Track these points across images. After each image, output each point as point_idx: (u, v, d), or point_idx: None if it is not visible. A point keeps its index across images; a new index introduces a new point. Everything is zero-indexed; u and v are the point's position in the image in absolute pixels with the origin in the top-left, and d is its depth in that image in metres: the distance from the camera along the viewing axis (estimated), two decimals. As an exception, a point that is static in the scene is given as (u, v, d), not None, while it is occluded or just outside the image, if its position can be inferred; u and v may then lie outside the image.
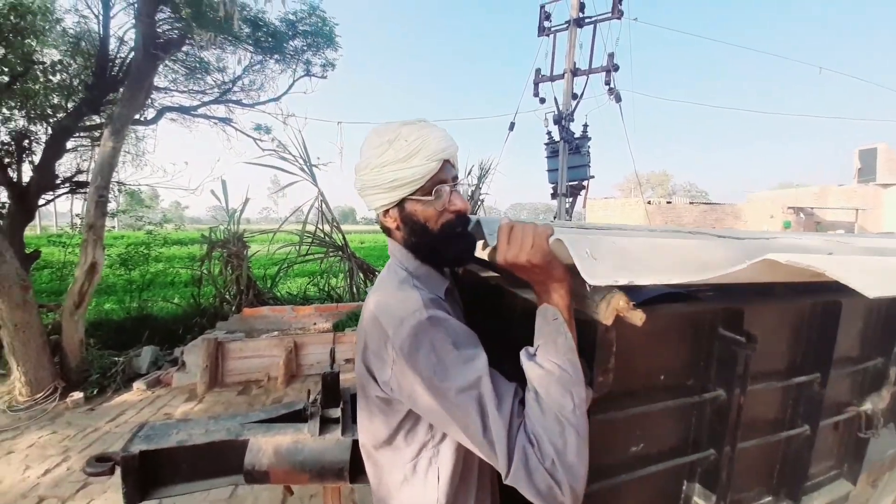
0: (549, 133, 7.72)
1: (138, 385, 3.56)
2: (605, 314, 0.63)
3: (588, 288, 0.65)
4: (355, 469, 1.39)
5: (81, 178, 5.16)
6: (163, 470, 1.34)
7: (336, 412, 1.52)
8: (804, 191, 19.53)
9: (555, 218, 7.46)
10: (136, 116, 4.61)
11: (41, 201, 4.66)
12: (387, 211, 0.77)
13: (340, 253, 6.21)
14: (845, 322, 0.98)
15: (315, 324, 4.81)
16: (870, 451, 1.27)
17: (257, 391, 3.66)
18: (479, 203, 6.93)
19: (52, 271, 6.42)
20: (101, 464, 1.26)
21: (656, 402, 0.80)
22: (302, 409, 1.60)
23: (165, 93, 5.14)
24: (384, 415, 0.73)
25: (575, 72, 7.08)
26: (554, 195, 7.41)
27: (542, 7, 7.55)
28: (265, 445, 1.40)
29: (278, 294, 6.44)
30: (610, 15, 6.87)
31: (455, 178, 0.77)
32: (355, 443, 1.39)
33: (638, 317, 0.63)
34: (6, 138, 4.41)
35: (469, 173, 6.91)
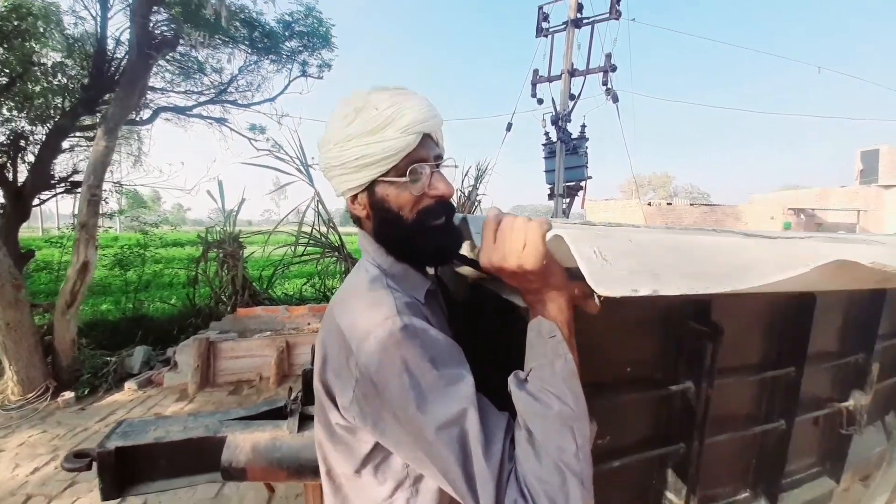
0: (546, 134, 7.72)
1: (129, 385, 3.57)
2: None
3: (598, 300, 0.54)
4: (334, 466, 1.39)
5: (78, 178, 5.18)
6: (139, 466, 1.33)
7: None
8: (806, 192, 19.49)
9: (553, 218, 7.43)
10: (132, 116, 4.63)
11: (36, 201, 4.68)
12: (355, 196, 0.65)
13: (336, 254, 6.22)
14: (822, 316, 0.97)
15: (309, 324, 4.80)
16: (855, 448, 1.25)
17: (248, 391, 3.65)
18: (476, 204, 6.94)
19: (49, 272, 6.44)
20: (79, 459, 1.26)
21: (622, 395, 0.79)
22: (283, 407, 1.60)
23: (161, 93, 5.17)
24: (348, 445, 0.60)
25: (573, 72, 7.09)
26: (551, 196, 7.41)
27: (541, 8, 7.58)
28: (243, 442, 1.39)
29: (274, 295, 6.45)
30: (608, 16, 6.89)
31: (439, 156, 0.64)
32: (334, 440, 1.40)
33: (593, 305, 0.60)
34: (2, 139, 4.43)
35: (466, 174, 6.92)
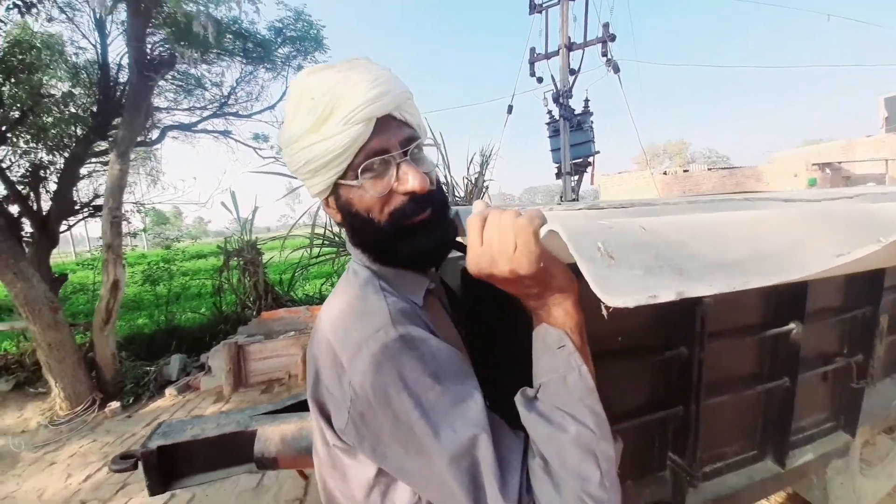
0: (549, 112, 7.59)
1: (170, 391, 3.79)
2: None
3: (605, 310, 0.38)
4: (360, 451, 1.47)
5: (99, 202, 5.44)
6: (180, 462, 1.44)
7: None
8: (830, 145, 18.62)
9: (560, 198, 7.37)
10: (141, 138, 4.80)
11: (63, 227, 4.93)
12: (327, 200, 0.57)
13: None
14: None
15: (330, 322, 4.94)
16: (871, 401, 1.25)
17: (279, 388, 3.82)
18: (484, 191, 6.91)
19: (85, 293, 6.80)
20: (125, 461, 1.37)
21: (616, 364, 0.82)
22: (306, 400, 1.69)
23: (167, 112, 5.33)
24: (348, 469, 0.53)
25: (570, 46, 6.91)
26: (559, 175, 7.32)
27: (533, -18, 7.38)
28: (272, 434, 1.48)
29: (296, 296, 6.64)
30: (602, -18, 6.67)
31: (409, 139, 0.53)
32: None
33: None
34: (24, 171, 4.67)
35: (471, 161, 6.89)
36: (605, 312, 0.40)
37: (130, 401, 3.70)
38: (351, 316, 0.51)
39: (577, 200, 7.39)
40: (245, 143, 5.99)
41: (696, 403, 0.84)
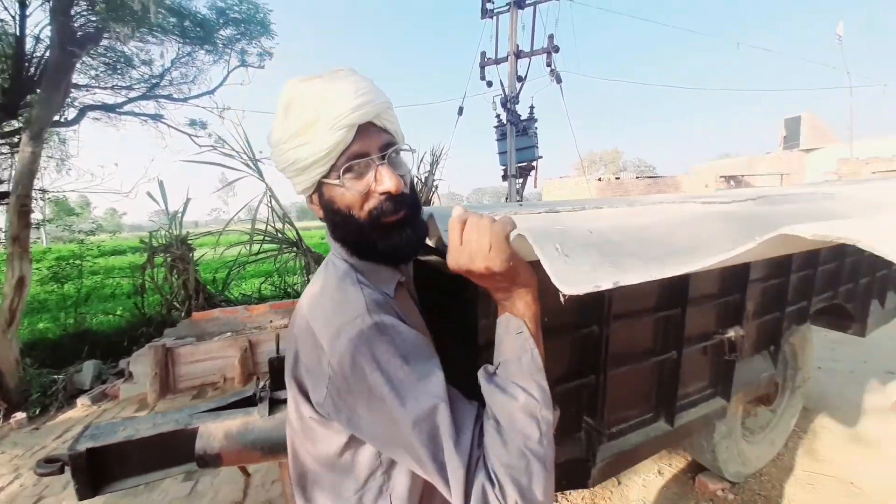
0: (497, 116, 7.90)
1: (82, 401, 3.43)
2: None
3: (562, 298, 0.52)
4: (306, 443, 1.50)
5: (3, 188, 4.73)
6: (113, 465, 1.37)
7: (285, 394, 1.61)
8: (737, 160, 21.25)
9: (506, 200, 7.73)
10: (56, 118, 4.27)
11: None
12: (311, 197, 0.64)
13: (295, 249, 6.12)
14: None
15: (271, 321, 4.76)
16: (743, 373, 1.54)
17: (213, 393, 3.62)
18: (434, 190, 7.03)
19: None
20: (51, 465, 1.29)
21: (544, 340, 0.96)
22: (251, 396, 1.67)
23: (86, 90, 4.76)
24: (321, 438, 0.61)
25: (518, 54, 7.27)
26: (505, 177, 7.66)
27: (484, -11, 7.62)
28: (215, 430, 1.46)
29: (231, 296, 6.27)
30: (548, -4, 7.09)
31: (388, 144, 0.60)
32: (305, 418, 1.50)
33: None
34: None
35: (421, 160, 6.97)
36: (562, 300, 0.52)
37: (37, 412, 3.31)
38: (331, 304, 0.57)
39: (522, 202, 7.78)
40: (179, 129, 5.53)
41: (604, 373, 1.01)
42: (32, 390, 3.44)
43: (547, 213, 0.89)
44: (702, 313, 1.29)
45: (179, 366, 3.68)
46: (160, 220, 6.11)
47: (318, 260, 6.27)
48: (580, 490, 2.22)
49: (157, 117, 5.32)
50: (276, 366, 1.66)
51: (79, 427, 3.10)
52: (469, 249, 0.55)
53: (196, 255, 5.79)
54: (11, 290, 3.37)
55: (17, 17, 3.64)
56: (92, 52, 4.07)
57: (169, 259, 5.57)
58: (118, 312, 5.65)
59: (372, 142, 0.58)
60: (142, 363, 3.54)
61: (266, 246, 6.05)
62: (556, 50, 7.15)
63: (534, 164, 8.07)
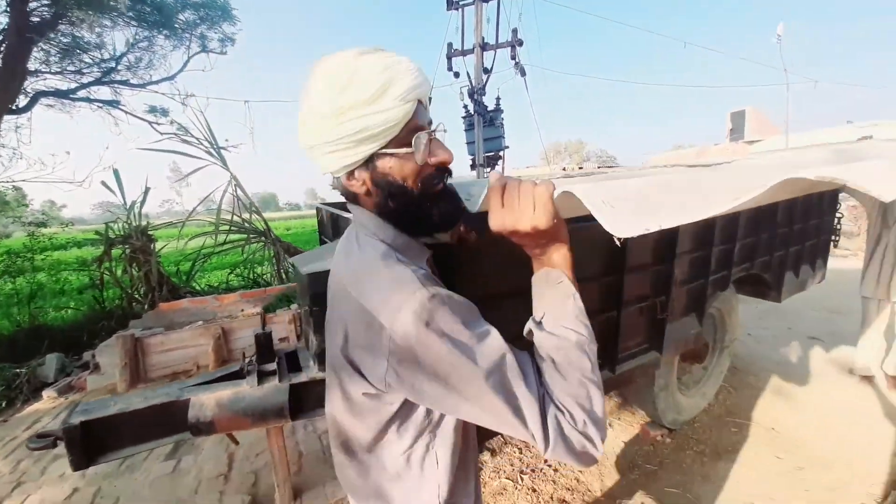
0: (465, 106, 8.04)
1: (48, 393, 3.35)
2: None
3: (618, 241, 0.58)
4: (295, 408, 1.62)
5: None
6: (106, 437, 1.44)
7: (272, 366, 1.72)
8: (689, 151, 22.49)
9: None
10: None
11: None
12: (352, 173, 0.63)
13: (263, 238, 6.04)
14: (638, 239, 1.43)
15: (242, 310, 4.74)
16: (674, 331, 1.81)
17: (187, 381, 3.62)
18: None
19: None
20: (43, 439, 1.34)
21: (507, 301, 1.13)
22: (238, 370, 1.77)
23: (37, 76, 4.44)
24: (372, 412, 0.64)
25: (484, 46, 7.41)
26: (473, 166, 7.86)
27: (449, -21, 7.67)
28: (207, 400, 1.56)
29: (197, 287, 6.12)
30: (511, -10, 7.26)
31: (430, 122, 0.64)
32: (293, 386, 1.62)
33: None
34: None
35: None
36: (618, 242, 0.60)
37: (3, 405, 3.23)
38: (384, 283, 0.57)
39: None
40: (137, 115, 5.28)
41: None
42: (-6, 385, 3.32)
43: (580, 176, 0.97)
44: (638, 280, 1.53)
45: (150, 355, 3.64)
46: (114, 211, 5.83)
47: (288, 249, 6.22)
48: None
49: (113, 103, 5.06)
50: (263, 340, 1.77)
51: (47, 418, 3.04)
52: (513, 211, 0.59)
53: (156, 246, 5.60)
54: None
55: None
56: (48, 37, 3.81)
57: (128, 251, 5.36)
58: (71, 306, 5.40)
59: (424, 119, 0.62)
60: (109, 354, 3.48)
61: (232, 236, 5.94)
62: (521, 44, 7.36)
63: (501, 153, 8.32)
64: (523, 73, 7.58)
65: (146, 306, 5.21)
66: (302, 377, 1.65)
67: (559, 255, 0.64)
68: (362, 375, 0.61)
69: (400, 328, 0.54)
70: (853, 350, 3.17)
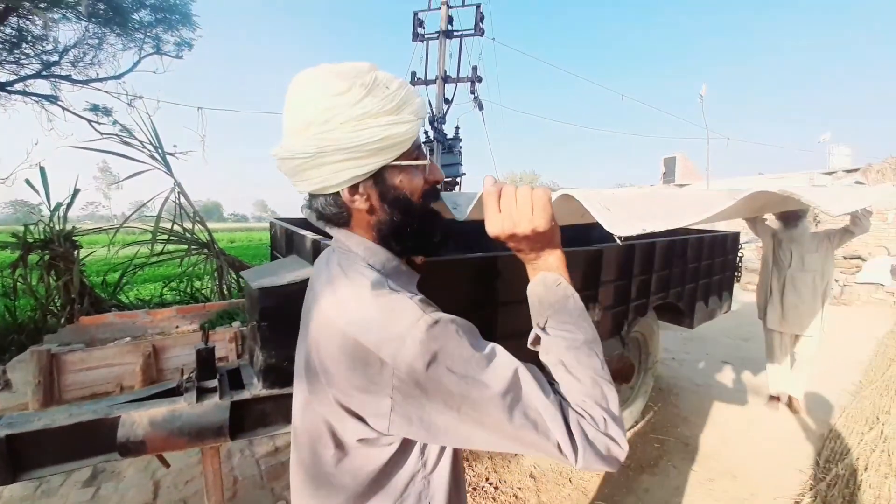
0: (426, 133, 8.34)
1: (-63, 415, 2.90)
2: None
3: (619, 240, 0.62)
4: (235, 427, 1.59)
5: None
6: (31, 453, 1.34)
7: (213, 383, 1.68)
8: (629, 190, 24.56)
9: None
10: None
11: None
12: (355, 186, 0.59)
13: (205, 251, 5.74)
14: (606, 261, 1.65)
15: (178, 327, 4.44)
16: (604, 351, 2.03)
17: (117, 397, 3.32)
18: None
19: None
20: (-33, 450, 1.23)
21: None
22: (176, 387, 1.71)
23: None
24: (365, 459, 0.59)
25: (446, 79, 7.81)
26: (430, 190, 8.07)
27: (416, 14, 8.09)
28: (139, 418, 1.49)
29: (125, 301, 5.64)
30: (473, 32, 7.79)
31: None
32: (234, 403, 1.60)
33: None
34: None
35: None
36: (619, 241, 0.63)
37: None
38: (381, 316, 0.53)
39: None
40: (77, 113, 4.90)
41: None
42: None
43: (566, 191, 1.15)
44: (608, 292, 1.75)
45: (67, 374, 3.28)
46: (16, 211, 5.28)
47: (232, 263, 5.93)
48: (483, 461, 2.58)
49: (51, 98, 4.68)
50: (205, 355, 1.73)
51: None
52: (511, 215, 0.59)
53: (81, 253, 5.13)
54: None
55: None
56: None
57: (47, 257, 4.87)
58: (-29, 318, 4.76)
59: (420, 138, 0.64)
60: (21, 370, 3.10)
61: (171, 247, 5.59)
62: (479, 80, 7.86)
63: (458, 180, 8.65)
64: (481, 108, 8.06)
65: (63, 319, 4.72)
66: (245, 395, 1.63)
67: (555, 258, 0.64)
68: (359, 419, 0.56)
69: (404, 362, 0.50)
70: (761, 373, 3.62)
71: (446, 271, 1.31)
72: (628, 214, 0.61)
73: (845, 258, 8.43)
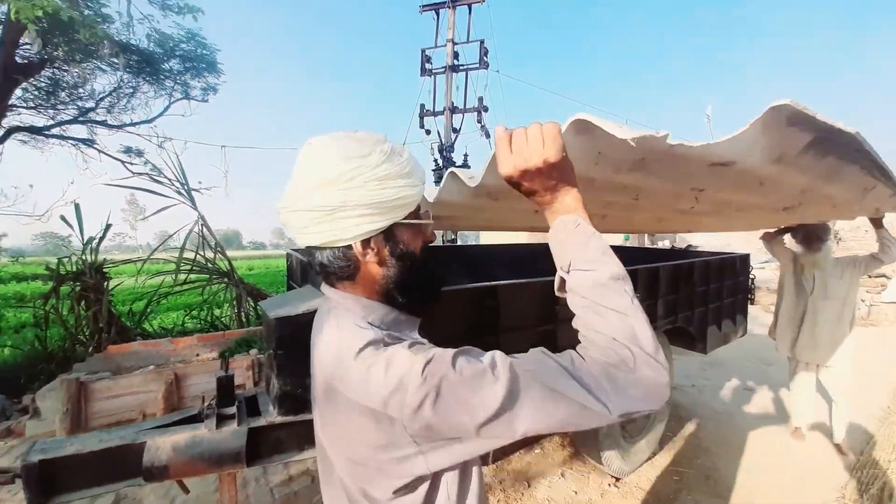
0: (435, 160, 8.61)
1: (-15, 436, 3.09)
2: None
3: (632, 143, 0.65)
4: (251, 454, 1.66)
5: None
6: (62, 477, 1.42)
7: (231, 410, 1.76)
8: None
9: (443, 237, 8.30)
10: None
11: None
12: (367, 241, 0.62)
13: (226, 279, 5.96)
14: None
15: (198, 355, 4.59)
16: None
17: (144, 423, 3.43)
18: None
19: None
20: (2, 475, 1.33)
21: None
22: (197, 414, 1.80)
23: (11, 110, 4.47)
24: None
25: (453, 110, 8.13)
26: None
27: (423, 51, 8.54)
28: (163, 444, 1.57)
29: (148, 329, 5.85)
30: (478, 65, 8.16)
31: None
32: (251, 430, 1.67)
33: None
34: None
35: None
36: (632, 143, 0.66)
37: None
38: (378, 373, 0.54)
39: (456, 241, 8.39)
40: (112, 154, 5.30)
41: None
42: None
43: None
44: (569, 329, 1.77)
45: (93, 402, 3.44)
46: (46, 243, 5.63)
47: (251, 292, 6.12)
48: (495, 493, 2.55)
49: (87, 142, 5.09)
50: (225, 383, 1.82)
51: None
52: (522, 152, 0.59)
53: (109, 284, 5.40)
54: None
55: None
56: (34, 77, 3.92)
57: (78, 288, 5.14)
58: (9, 345, 5.01)
59: None
60: (51, 398, 3.27)
61: (194, 276, 5.82)
62: (486, 109, 8.15)
63: (468, 205, 8.81)
64: (488, 136, 8.31)
65: (91, 349, 4.92)
66: (261, 421, 1.70)
67: (571, 198, 0.63)
68: (388, 475, 0.57)
69: (411, 409, 0.51)
70: (785, 399, 3.44)
71: (451, 301, 1.39)
72: (633, 133, 0.66)
73: (870, 276, 8.16)
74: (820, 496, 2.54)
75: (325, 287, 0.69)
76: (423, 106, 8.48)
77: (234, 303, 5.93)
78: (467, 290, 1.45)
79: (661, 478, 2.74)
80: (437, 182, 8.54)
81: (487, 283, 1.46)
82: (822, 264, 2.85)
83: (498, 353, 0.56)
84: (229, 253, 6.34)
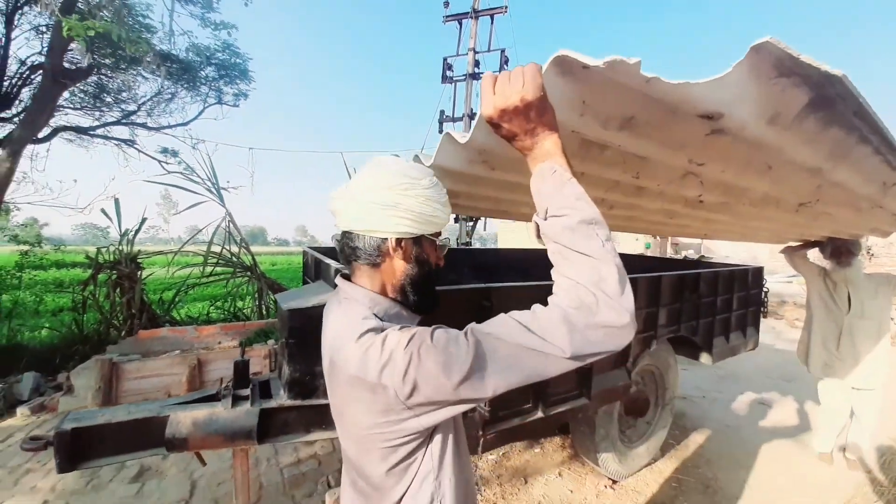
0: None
1: (22, 410, 3.42)
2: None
3: (602, 65, 0.63)
4: (262, 432, 1.80)
5: None
6: (91, 445, 1.59)
7: (246, 391, 1.91)
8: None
9: (458, 240, 8.40)
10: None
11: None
12: (399, 240, 0.73)
13: (249, 273, 6.24)
14: None
15: (220, 342, 4.84)
16: (604, 381, 2.07)
17: (168, 399, 3.69)
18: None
19: None
20: (35, 441, 1.50)
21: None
22: (215, 393, 1.96)
23: (59, 110, 4.89)
24: (400, 474, 0.70)
25: (472, 116, 8.23)
26: (457, 220, 8.35)
27: (445, 59, 8.69)
28: (184, 419, 1.73)
29: (176, 317, 6.20)
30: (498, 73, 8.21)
31: None
32: (263, 411, 1.81)
33: None
34: None
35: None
36: (602, 65, 0.63)
37: (-21, 417, 3.25)
38: (374, 351, 0.62)
39: (470, 244, 8.47)
40: (150, 154, 5.69)
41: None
42: (-29, 398, 3.36)
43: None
44: None
45: (124, 381, 3.70)
46: (86, 233, 6.03)
47: (272, 286, 6.39)
48: (492, 487, 2.63)
49: (129, 142, 5.48)
50: (241, 367, 1.98)
51: (20, 434, 3.12)
52: (504, 91, 0.62)
53: (143, 274, 5.76)
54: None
55: (3, 38, 3.83)
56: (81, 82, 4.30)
57: (114, 276, 5.50)
58: (46, 327, 5.42)
59: None
60: (85, 377, 3.55)
61: (219, 269, 6.13)
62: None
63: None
64: (508, 141, 8.35)
65: (123, 333, 5.26)
66: (272, 403, 1.84)
67: (551, 142, 0.65)
68: (386, 437, 0.66)
69: (399, 377, 0.59)
70: (801, 417, 3.31)
71: (449, 301, 1.48)
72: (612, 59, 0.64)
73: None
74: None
75: (339, 279, 0.80)
76: (442, 112, 8.63)
77: (256, 295, 6.20)
78: (464, 291, 1.54)
79: (659, 483, 2.75)
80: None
81: (483, 285, 1.55)
82: (855, 280, 2.71)
83: (470, 325, 0.63)
84: (255, 248, 6.64)
